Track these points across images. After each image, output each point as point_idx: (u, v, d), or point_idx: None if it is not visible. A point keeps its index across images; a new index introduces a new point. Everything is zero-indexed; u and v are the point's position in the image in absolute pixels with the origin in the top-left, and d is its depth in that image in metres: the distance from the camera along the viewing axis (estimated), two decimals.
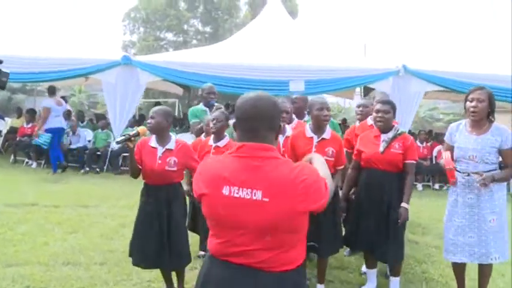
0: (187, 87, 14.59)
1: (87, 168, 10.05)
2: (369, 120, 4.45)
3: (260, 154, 1.71)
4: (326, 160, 2.29)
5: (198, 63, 9.89)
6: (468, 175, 3.50)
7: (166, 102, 17.69)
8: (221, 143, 4.16)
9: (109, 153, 10.19)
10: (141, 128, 3.43)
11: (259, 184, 1.67)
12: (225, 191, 1.69)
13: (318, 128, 3.76)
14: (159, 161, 3.48)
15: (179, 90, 15.62)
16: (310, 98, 4.55)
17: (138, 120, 11.71)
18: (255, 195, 1.66)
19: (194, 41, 26.30)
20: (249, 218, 1.67)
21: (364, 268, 4.33)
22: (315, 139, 3.73)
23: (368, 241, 3.81)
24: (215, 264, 1.79)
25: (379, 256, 3.87)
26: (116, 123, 9.87)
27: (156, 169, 3.46)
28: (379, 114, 3.82)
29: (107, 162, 10.21)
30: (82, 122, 12.04)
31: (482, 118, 3.51)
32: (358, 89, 13.92)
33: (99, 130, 10.73)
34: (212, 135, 4.27)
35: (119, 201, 7.21)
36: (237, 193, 1.68)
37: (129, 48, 24.36)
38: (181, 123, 12.71)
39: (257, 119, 1.74)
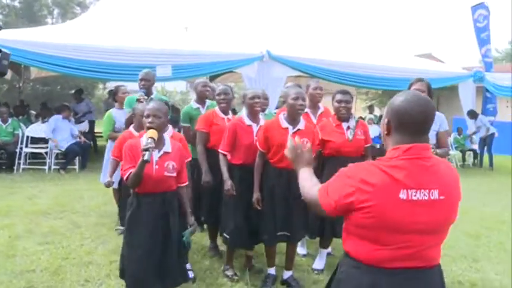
0: (19, 70, 12.77)
1: None
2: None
3: (428, 154, 1.75)
4: None
5: (54, 44, 8.72)
6: None
7: None
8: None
9: None
10: (152, 132, 2.86)
11: (434, 183, 1.70)
12: (403, 195, 1.66)
13: (293, 118, 3.71)
14: (156, 166, 2.97)
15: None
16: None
17: None
18: (432, 195, 1.69)
19: (0, 16, 22.97)
20: (428, 219, 1.69)
21: (314, 265, 4.38)
22: (290, 130, 3.67)
23: (334, 227, 3.95)
24: (381, 273, 1.73)
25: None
26: None
27: (154, 176, 2.96)
28: (343, 105, 3.99)
29: None
30: None
31: None
32: None
33: None
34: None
35: None
36: (415, 195, 1.67)
37: None
38: (22, 111, 11.05)
39: (427, 122, 1.78)
